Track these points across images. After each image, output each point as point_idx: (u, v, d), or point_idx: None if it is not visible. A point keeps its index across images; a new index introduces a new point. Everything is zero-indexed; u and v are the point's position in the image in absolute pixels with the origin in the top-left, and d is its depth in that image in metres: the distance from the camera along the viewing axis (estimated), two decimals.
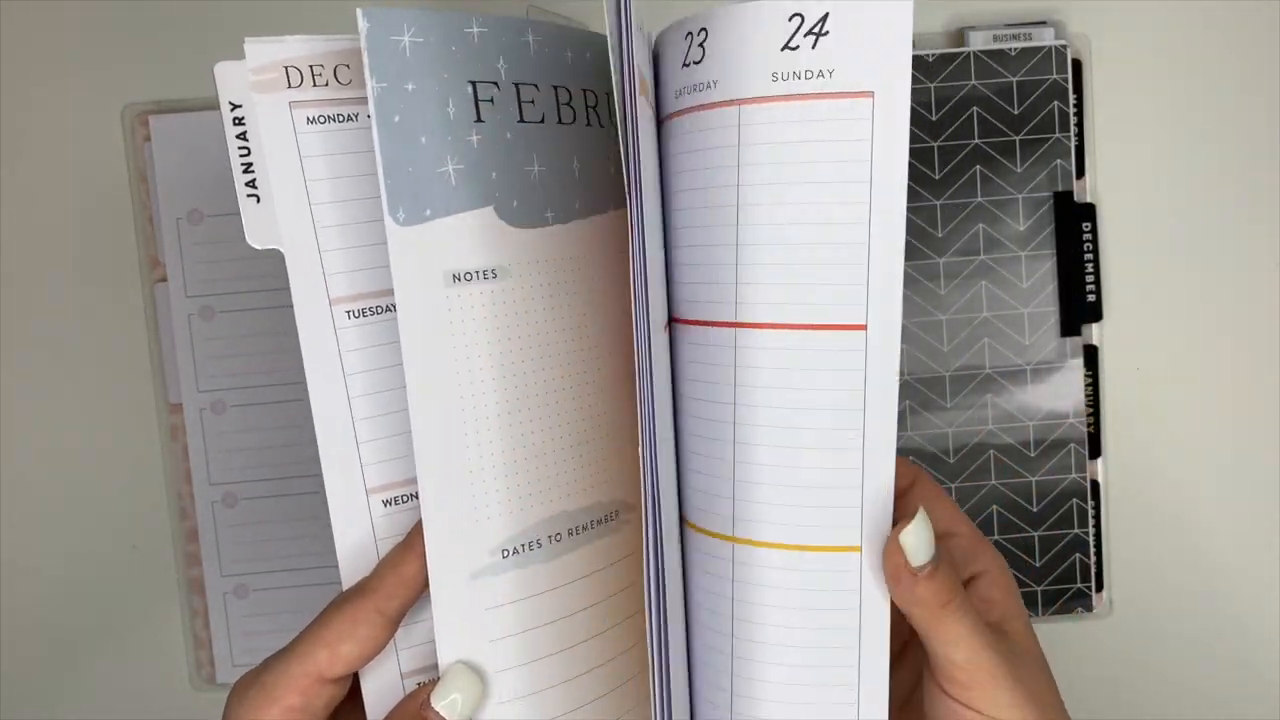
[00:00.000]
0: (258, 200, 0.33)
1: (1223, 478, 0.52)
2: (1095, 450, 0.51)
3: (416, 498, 0.34)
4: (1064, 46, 0.49)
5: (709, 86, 0.33)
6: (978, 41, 0.49)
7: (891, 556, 0.33)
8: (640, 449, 0.33)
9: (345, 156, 0.33)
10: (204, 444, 0.51)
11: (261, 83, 0.32)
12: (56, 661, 0.52)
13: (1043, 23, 0.49)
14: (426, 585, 0.33)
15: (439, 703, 0.32)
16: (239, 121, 0.33)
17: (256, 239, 0.33)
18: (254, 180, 0.33)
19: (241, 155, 0.33)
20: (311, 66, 0.33)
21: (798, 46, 0.32)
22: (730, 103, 0.33)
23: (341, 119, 0.33)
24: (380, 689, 0.34)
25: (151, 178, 0.50)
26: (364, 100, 0.32)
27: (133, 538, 0.51)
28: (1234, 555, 0.52)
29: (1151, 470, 0.52)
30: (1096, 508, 0.51)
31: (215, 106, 0.49)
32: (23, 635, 0.52)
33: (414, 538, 0.33)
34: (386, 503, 0.34)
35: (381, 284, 0.34)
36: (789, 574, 0.34)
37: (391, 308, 0.33)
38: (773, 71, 0.32)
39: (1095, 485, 0.51)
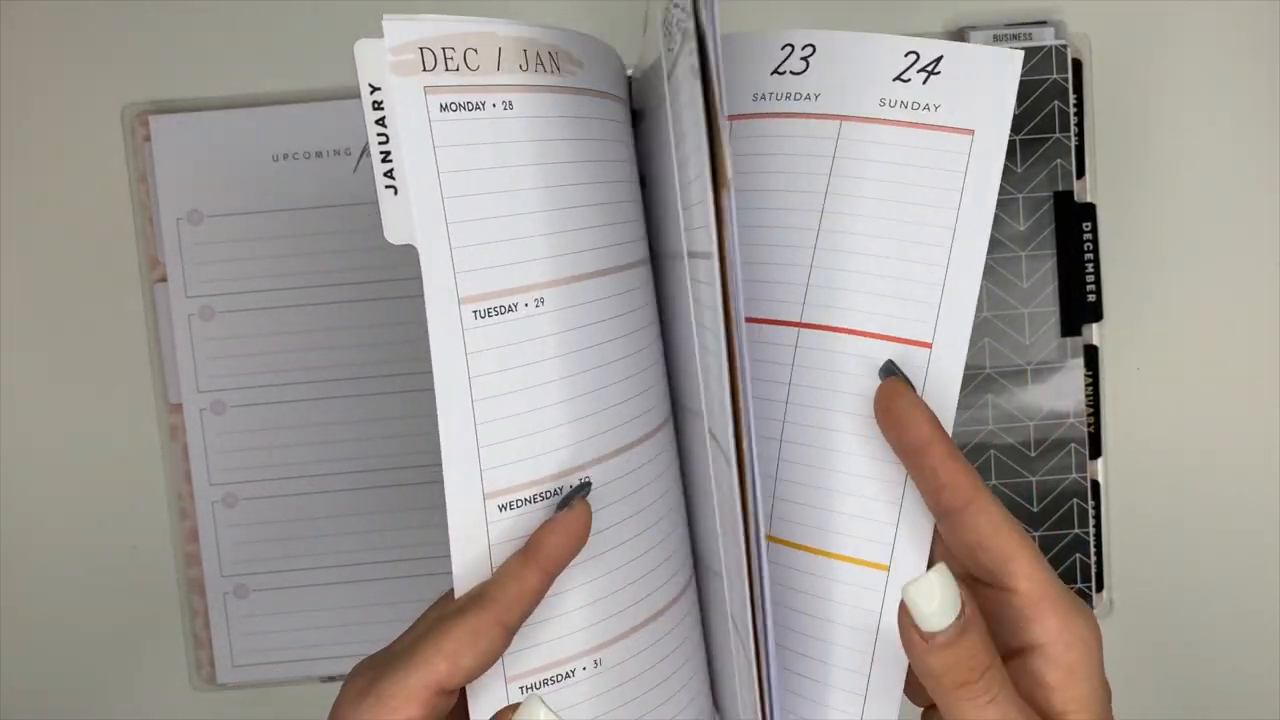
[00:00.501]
0: (395, 192, 0.31)
1: (1223, 477, 0.52)
2: (1095, 450, 0.51)
3: (532, 502, 0.34)
4: (1064, 46, 0.49)
5: (808, 98, 0.35)
6: (978, 41, 0.49)
7: (901, 615, 0.30)
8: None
9: (475, 147, 0.32)
10: (204, 444, 0.51)
11: (399, 64, 0.31)
12: (56, 661, 0.52)
13: (1043, 23, 0.49)
14: (543, 595, 0.33)
15: None
16: (378, 106, 0.31)
17: (394, 234, 0.31)
18: (391, 170, 0.31)
19: (380, 143, 0.31)
20: (445, 49, 0.31)
21: (909, 80, 0.34)
22: (832, 117, 0.34)
23: (471, 107, 0.32)
24: (486, 694, 0.34)
25: (151, 178, 0.50)
26: (491, 88, 0.32)
27: (132, 538, 0.51)
28: (1234, 555, 0.52)
29: (1151, 470, 0.52)
30: (1097, 508, 0.51)
31: (215, 106, 0.49)
32: (22, 635, 0.52)
33: (534, 547, 0.33)
34: (502, 507, 0.33)
35: (506, 283, 0.33)
36: (814, 579, 0.35)
37: (514, 307, 0.33)
38: (881, 97, 0.34)
39: (1095, 485, 0.51)
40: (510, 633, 0.32)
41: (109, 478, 0.51)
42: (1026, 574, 0.31)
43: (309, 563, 0.51)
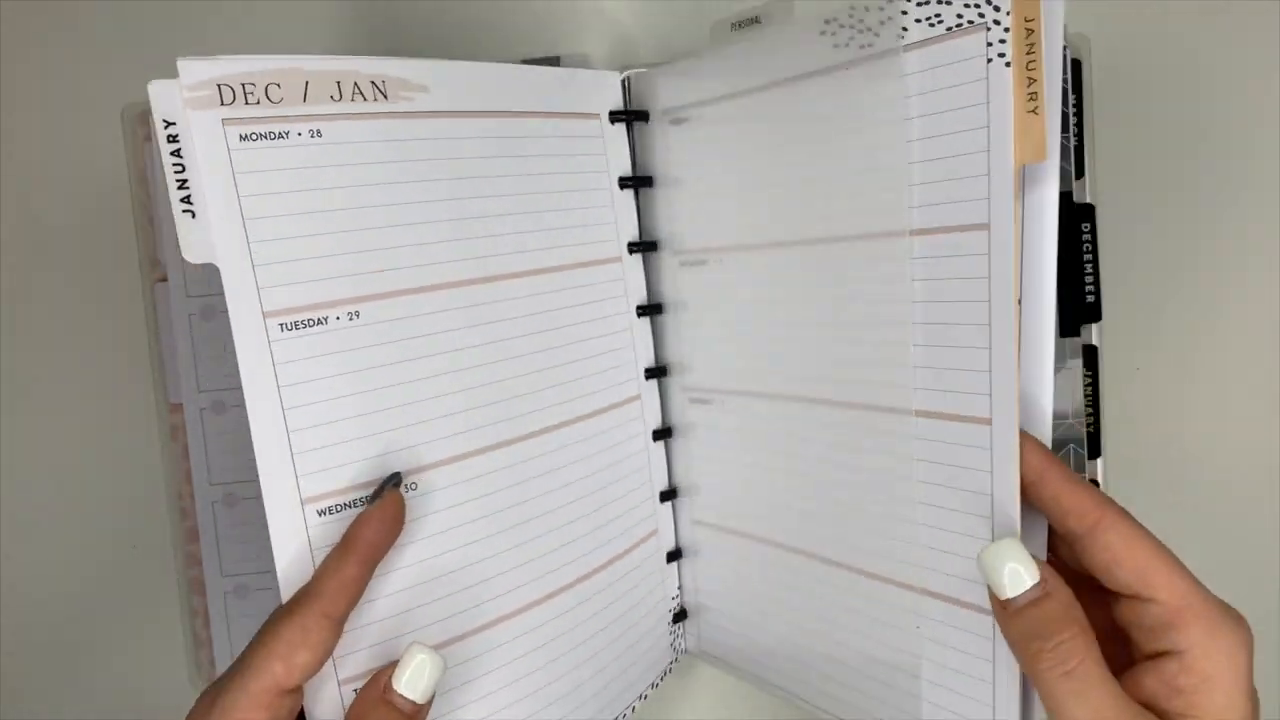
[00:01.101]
0: (193, 215, 0.33)
1: (1222, 477, 0.52)
2: (1095, 450, 0.51)
3: (350, 507, 0.35)
4: (1063, 47, 0.49)
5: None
6: None
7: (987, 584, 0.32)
8: None
9: (278, 173, 0.34)
10: (204, 444, 0.51)
11: (195, 99, 0.33)
12: (56, 661, 0.52)
13: None
14: (365, 585, 0.34)
15: (400, 682, 0.33)
16: (173, 139, 0.33)
17: (192, 254, 0.33)
18: (189, 196, 0.33)
19: (176, 172, 0.33)
20: (244, 84, 0.33)
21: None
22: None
23: (274, 136, 0.34)
24: (321, 699, 0.35)
25: (152, 178, 0.50)
26: (296, 118, 0.34)
27: (133, 538, 0.51)
28: (1233, 555, 0.52)
29: (1151, 470, 0.52)
30: None
31: None
32: (23, 635, 0.52)
33: (350, 539, 0.34)
34: (321, 512, 0.35)
35: (315, 297, 0.35)
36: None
37: (325, 320, 0.35)
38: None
39: (1095, 485, 0.51)
40: (337, 624, 0.33)
41: (109, 477, 0.51)
42: (1166, 584, 0.31)
43: None
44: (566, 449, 0.42)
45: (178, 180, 0.33)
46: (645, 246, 0.47)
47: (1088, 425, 0.51)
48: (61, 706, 0.52)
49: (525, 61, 0.47)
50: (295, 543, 0.34)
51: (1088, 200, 0.50)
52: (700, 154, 0.45)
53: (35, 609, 0.52)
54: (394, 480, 0.36)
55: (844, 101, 0.38)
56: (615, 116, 0.46)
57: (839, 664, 0.42)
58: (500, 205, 0.39)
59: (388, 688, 0.34)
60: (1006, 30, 0.34)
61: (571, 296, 0.43)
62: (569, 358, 0.42)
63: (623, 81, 0.48)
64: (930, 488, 0.37)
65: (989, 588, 0.32)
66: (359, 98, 0.36)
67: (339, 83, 0.35)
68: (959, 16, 0.35)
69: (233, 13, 0.50)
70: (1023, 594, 0.31)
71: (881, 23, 0.37)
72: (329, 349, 0.35)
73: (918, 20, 0.36)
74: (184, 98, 0.33)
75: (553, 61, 0.49)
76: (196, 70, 0.33)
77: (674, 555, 0.49)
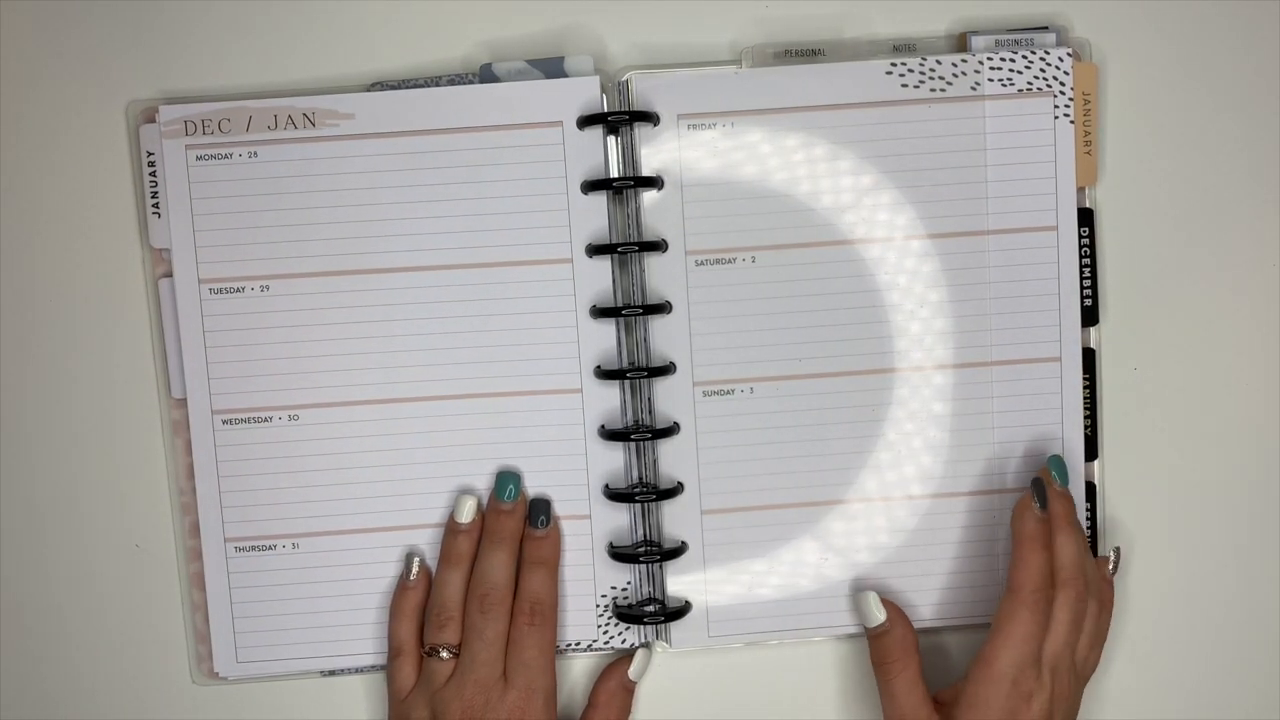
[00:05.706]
0: (159, 215, 0.49)
1: (1220, 479, 0.52)
2: (1092, 452, 0.51)
3: (256, 423, 0.49)
4: (1067, 52, 0.49)
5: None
6: (980, 46, 0.49)
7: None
8: None
9: (222, 182, 0.48)
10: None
11: (169, 131, 0.48)
12: (58, 657, 0.52)
13: (1044, 28, 0.50)
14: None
15: (633, 674, 0.49)
16: (151, 165, 0.48)
17: (156, 241, 0.49)
18: (157, 202, 0.49)
19: (151, 186, 0.49)
20: (203, 120, 0.48)
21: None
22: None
23: (221, 156, 0.48)
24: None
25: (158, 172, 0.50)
26: (238, 144, 0.48)
27: (135, 534, 0.51)
28: (1231, 556, 0.52)
29: (1148, 472, 0.52)
30: (1092, 509, 0.51)
31: (218, 98, 0.49)
32: (24, 632, 0.52)
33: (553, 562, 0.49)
34: (226, 422, 0.47)
35: (234, 272, 0.48)
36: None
37: (240, 290, 0.48)
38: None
39: (1091, 487, 0.51)
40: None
41: (112, 473, 0.51)
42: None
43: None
44: (492, 415, 0.49)
45: (151, 191, 0.48)
46: (623, 249, 0.47)
47: (1085, 427, 0.51)
48: (62, 702, 0.52)
49: (529, 62, 0.48)
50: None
51: (1087, 205, 0.51)
52: (732, 157, 0.48)
53: (37, 604, 0.52)
54: (549, 505, 0.49)
55: (918, 128, 0.48)
56: (588, 121, 0.47)
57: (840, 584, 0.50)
58: (424, 209, 0.48)
59: (623, 674, 0.48)
60: (1070, 99, 0.48)
61: (509, 290, 0.48)
62: (501, 341, 0.48)
63: (619, 83, 0.48)
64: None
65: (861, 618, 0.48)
66: (290, 126, 0.48)
67: (275, 116, 0.48)
68: (1029, 84, 0.48)
69: (237, 11, 0.50)
70: (876, 626, 0.47)
71: (955, 75, 0.48)
72: (242, 309, 0.48)
73: (990, 80, 0.48)
74: (161, 130, 0.48)
75: (557, 62, 0.49)
76: (172, 112, 0.48)
77: (672, 553, 0.49)
